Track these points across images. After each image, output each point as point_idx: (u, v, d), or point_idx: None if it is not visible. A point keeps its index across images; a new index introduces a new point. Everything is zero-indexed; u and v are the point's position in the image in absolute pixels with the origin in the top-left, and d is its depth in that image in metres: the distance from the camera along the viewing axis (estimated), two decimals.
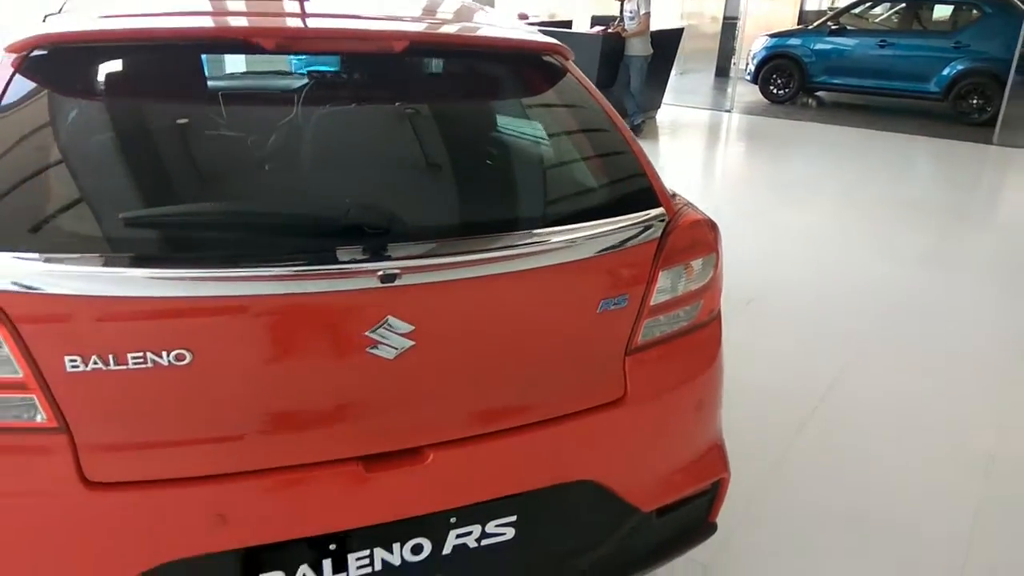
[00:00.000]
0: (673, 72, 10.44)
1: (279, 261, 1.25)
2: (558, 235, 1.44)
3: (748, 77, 11.69)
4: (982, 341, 3.74)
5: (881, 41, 10.53)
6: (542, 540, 1.56)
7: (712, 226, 1.69)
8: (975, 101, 9.84)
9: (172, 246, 1.29)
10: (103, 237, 1.27)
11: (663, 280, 1.56)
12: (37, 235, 1.25)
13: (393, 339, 1.32)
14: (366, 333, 1.30)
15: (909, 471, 2.69)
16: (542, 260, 1.41)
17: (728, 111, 10.76)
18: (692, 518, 1.81)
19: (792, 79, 11.27)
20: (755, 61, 11.55)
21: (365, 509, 1.39)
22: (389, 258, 1.30)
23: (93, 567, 1.29)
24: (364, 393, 1.36)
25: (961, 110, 9.92)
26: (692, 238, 1.63)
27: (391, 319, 1.31)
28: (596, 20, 10.24)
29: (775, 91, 11.33)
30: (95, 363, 1.20)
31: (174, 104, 1.53)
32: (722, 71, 13.79)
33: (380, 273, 1.28)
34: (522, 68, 1.78)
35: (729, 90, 11.42)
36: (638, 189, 1.62)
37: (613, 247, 1.49)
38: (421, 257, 1.32)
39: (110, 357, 1.21)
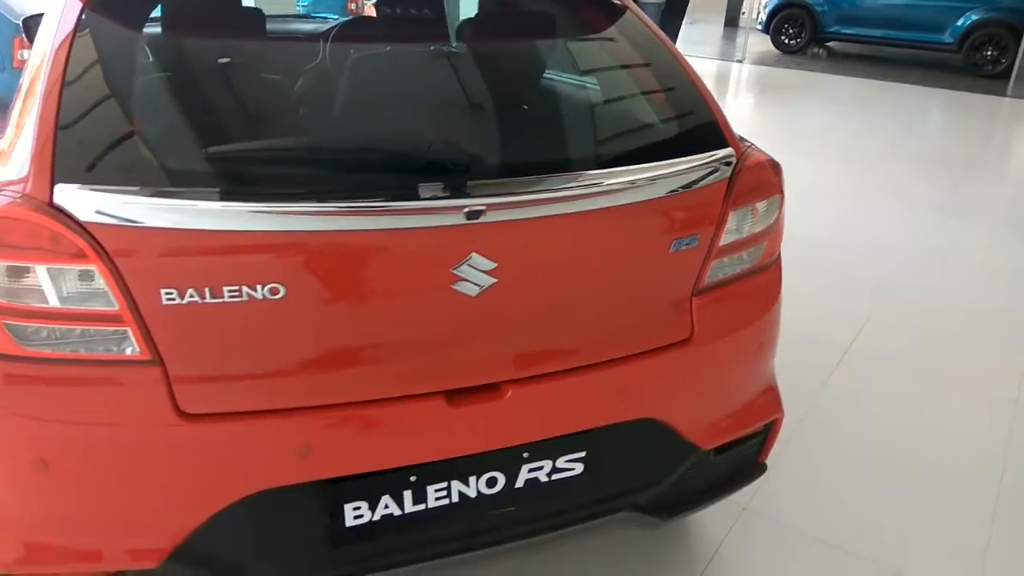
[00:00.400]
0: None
1: (370, 196, 1.26)
2: (637, 173, 1.44)
3: (760, 27, 11.53)
4: (1000, 289, 3.78)
5: None
6: (607, 476, 1.60)
7: (777, 167, 1.70)
8: (989, 52, 9.74)
9: (268, 181, 1.30)
10: (200, 172, 1.28)
11: (732, 221, 1.57)
12: (133, 169, 1.25)
13: (476, 276, 1.34)
14: (451, 269, 1.32)
15: (937, 417, 2.74)
16: (621, 198, 1.42)
17: (739, 61, 10.63)
18: (745, 457, 1.85)
19: (804, 29, 11.13)
20: (767, 10, 11.39)
21: (445, 442, 1.42)
22: (472, 195, 1.31)
23: (184, 498, 1.32)
24: (447, 329, 1.38)
25: (975, 61, 9.82)
26: (759, 179, 1.63)
27: (475, 256, 1.32)
28: None
29: (787, 41, 11.20)
30: (191, 296, 1.22)
31: (257, 41, 1.52)
32: (732, 20, 13.59)
33: (466, 210, 1.29)
34: (586, 5, 1.77)
35: (740, 40, 11.27)
36: (708, 129, 1.62)
37: (688, 186, 1.50)
38: (505, 194, 1.33)
39: (206, 291, 1.22)
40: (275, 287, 1.24)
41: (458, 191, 1.31)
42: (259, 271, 1.24)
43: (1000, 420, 2.73)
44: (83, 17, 1.38)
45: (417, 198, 1.28)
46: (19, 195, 1.21)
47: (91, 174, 1.22)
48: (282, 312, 1.27)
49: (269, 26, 1.56)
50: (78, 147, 1.25)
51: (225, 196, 1.22)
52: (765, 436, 1.86)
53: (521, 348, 1.45)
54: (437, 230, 1.30)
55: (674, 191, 1.48)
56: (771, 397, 1.84)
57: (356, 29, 1.78)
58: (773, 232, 1.70)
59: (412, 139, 1.41)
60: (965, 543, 2.16)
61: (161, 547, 1.33)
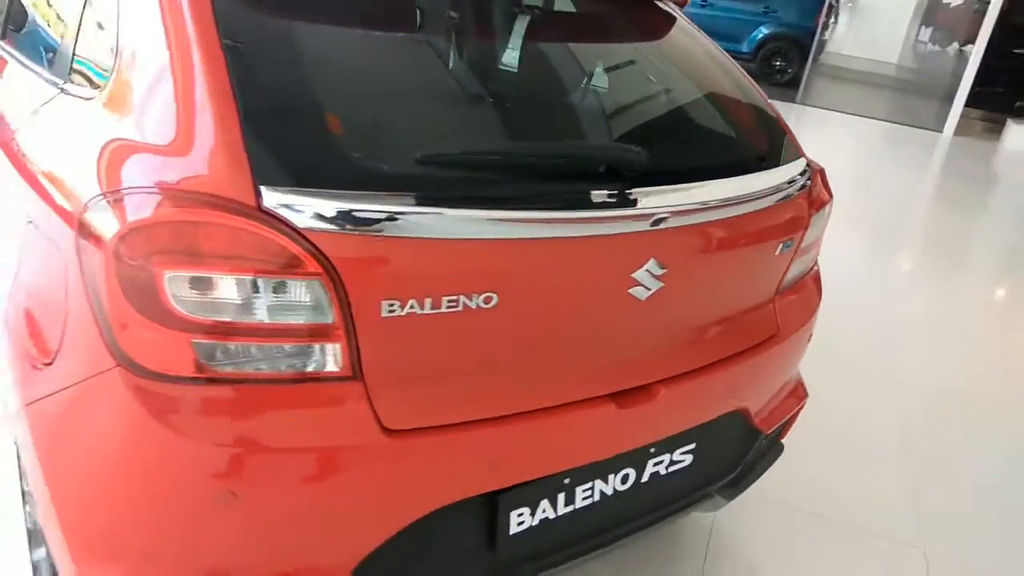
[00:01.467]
0: None
1: (577, 205, 1.26)
2: (771, 179, 1.55)
3: None
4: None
5: (702, 3, 11.30)
6: (707, 465, 1.70)
7: (825, 175, 1.88)
8: (778, 63, 10.94)
9: (487, 187, 1.24)
10: (423, 177, 1.19)
11: (812, 224, 1.72)
12: (349, 172, 1.14)
13: (649, 280, 1.37)
14: (631, 274, 1.34)
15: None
16: (762, 203, 1.52)
17: None
18: (776, 439, 2.03)
19: None
20: None
21: (605, 443, 1.45)
22: (657, 203, 1.34)
23: (372, 517, 1.24)
24: (619, 333, 1.40)
25: (767, 70, 10.99)
26: (823, 186, 1.80)
27: (652, 261, 1.36)
28: None
29: None
30: (411, 307, 1.15)
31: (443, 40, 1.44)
32: None
33: (654, 216, 1.32)
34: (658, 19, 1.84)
35: None
36: (787, 139, 1.76)
37: (798, 191, 1.63)
38: (683, 201, 1.37)
39: (427, 301, 1.15)
40: (489, 296, 1.20)
41: (647, 198, 1.33)
42: (479, 279, 1.19)
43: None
44: None
45: (617, 206, 1.29)
46: (212, 198, 1.06)
47: (299, 176, 1.10)
48: (490, 321, 1.22)
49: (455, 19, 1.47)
50: (278, 145, 1.12)
51: (452, 203, 1.16)
52: (789, 419, 2.05)
53: (670, 349, 1.50)
54: (628, 236, 1.32)
55: (788, 196, 1.60)
56: (801, 384, 2.03)
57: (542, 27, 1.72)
58: (822, 234, 1.88)
59: (616, 148, 1.43)
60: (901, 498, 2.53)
61: (342, 570, 1.24)
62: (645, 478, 1.57)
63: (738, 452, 1.80)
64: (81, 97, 1.36)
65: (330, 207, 1.08)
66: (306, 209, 1.08)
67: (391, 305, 1.13)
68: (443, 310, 1.17)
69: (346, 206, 1.09)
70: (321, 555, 1.23)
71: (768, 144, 1.73)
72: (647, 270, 1.36)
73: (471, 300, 1.19)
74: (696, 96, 1.80)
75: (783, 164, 1.67)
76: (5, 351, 1.33)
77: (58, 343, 1.15)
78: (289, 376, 1.12)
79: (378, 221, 1.10)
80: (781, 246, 1.63)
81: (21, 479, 1.56)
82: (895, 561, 2.27)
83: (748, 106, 1.78)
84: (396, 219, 1.11)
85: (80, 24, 1.48)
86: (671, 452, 1.59)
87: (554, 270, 1.28)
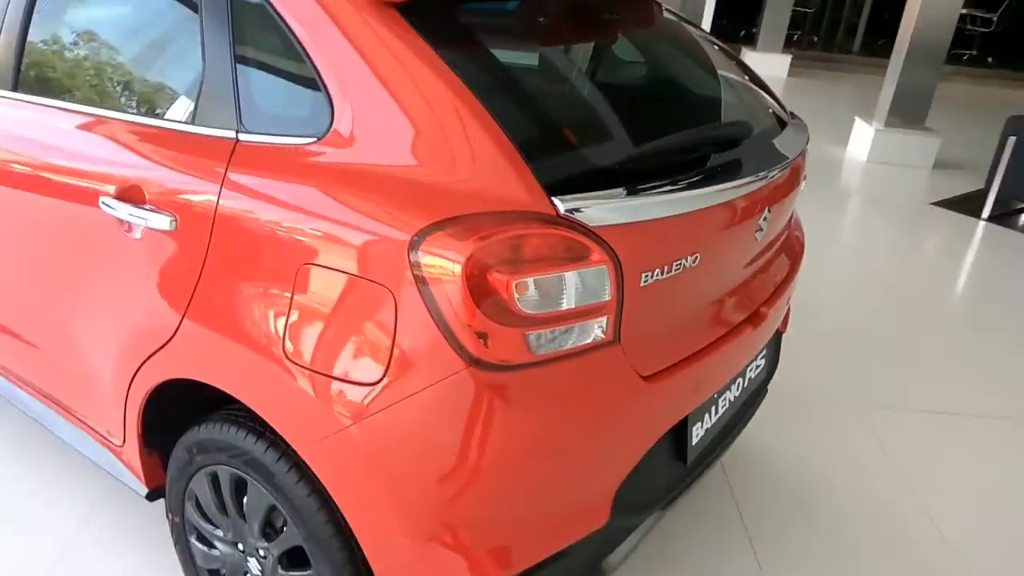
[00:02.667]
0: None
1: (737, 173, 1.61)
2: (802, 132, 2.00)
3: None
4: None
5: None
6: (766, 372, 2.15)
7: None
8: None
9: (685, 168, 1.54)
10: (647, 168, 1.47)
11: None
12: (601, 174, 1.40)
13: (764, 224, 1.76)
14: (758, 221, 1.72)
15: None
16: (803, 152, 1.96)
17: None
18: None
19: None
20: None
21: (740, 359, 1.83)
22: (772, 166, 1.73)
23: (625, 451, 1.53)
24: (750, 269, 1.79)
25: None
26: None
27: (767, 209, 1.74)
28: None
29: None
30: (657, 275, 1.44)
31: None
32: None
33: (769, 176, 1.71)
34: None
35: None
36: (779, 99, 2.21)
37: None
38: (780, 164, 1.77)
39: (666, 267, 1.45)
40: (696, 255, 1.52)
41: (766, 163, 1.72)
42: (692, 244, 1.50)
43: None
44: None
45: (756, 170, 1.66)
46: (526, 214, 1.28)
47: (574, 184, 1.34)
48: (697, 275, 1.54)
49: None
50: (552, 163, 1.35)
51: (684, 185, 1.46)
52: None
53: (768, 279, 1.91)
54: (757, 191, 1.68)
55: (808, 143, 2.05)
56: None
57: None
58: None
59: (739, 125, 1.83)
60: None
61: (605, 505, 1.52)
62: (745, 383, 1.98)
63: (775, 351, 2.26)
64: (289, 145, 1.44)
65: (608, 205, 1.34)
66: (589, 210, 1.32)
67: (646, 277, 1.42)
68: (672, 273, 1.48)
69: (620, 203, 1.35)
70: (597, 487, 1.50)
71: (779, 106, 2.15)
72: (764, 217, 1.74)
73: (687, 261, 1.50)
74: (740, 78, 2.17)
75: (794, 121, 2.11)
76: (291, 395, 1.41)
77: (385, 365, 1.30)
78: (577, 349, 1.37)
79: (643, 209, 1.38)
80: (803, 182, 2.08)
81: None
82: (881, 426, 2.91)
83: (759, 80, 2.19)
84: (653, 206, 1.39)
85: (236, 74, 1.52)
86: (756, 361, 2.01)
87: (727, 226, 1.62)
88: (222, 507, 1.69)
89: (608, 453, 1.49)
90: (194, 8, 1.60)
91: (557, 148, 1.42)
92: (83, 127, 1.76)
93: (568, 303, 1.31)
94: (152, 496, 1.89)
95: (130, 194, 1.58)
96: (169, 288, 1.56)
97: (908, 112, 6.67)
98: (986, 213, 5.56)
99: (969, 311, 4.20)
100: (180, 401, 1.69)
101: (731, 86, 2.08)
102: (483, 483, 1.35)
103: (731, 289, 1.74)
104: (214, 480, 1.68)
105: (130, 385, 1.71)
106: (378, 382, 1.31)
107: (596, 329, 1.38)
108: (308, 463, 1.42)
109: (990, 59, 12.50)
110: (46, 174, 1.79)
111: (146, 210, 1.55)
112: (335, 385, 1.34)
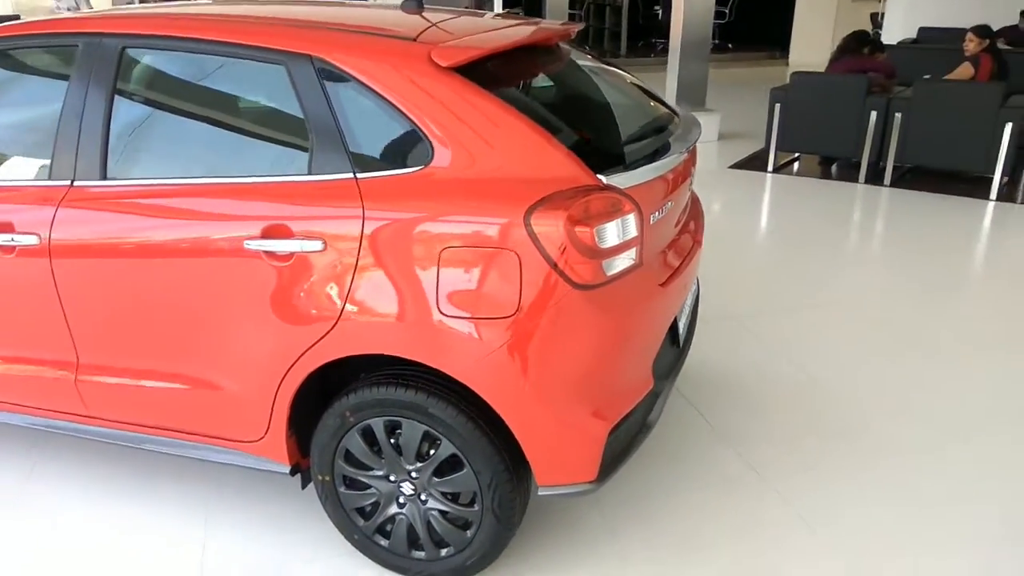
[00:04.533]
0: None
1: (673, 150, 2.43)
2: (697, 122, 2.89)
3: None
4: None
5: None
6: (697, 289, 3.03)
7: None
8: None
9: (657, 150, 2.33)
10: (635, 152, 2.26)
11: None
12: (623, 157, 2.18)
13: (689, 185, 2.61)
14: (687, 182, 2.57)
15: None
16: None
17: None
18: None
19: None
20: None
21: (692, 276, 2.68)
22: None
23: (663, 328, 2.33)
24: (687, 214, 2.64)
25: None
26: None
27: (691, 173, 2.60)
28: None
29: None
30: (655, 216, 2.24)
31: None
32: None
33: (684, 153, 2.56)
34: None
35: None
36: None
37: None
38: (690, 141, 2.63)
39: (659, 212, 2.26)
40: (669, 203, 2.34)
41: (684, 143, 2.53)
42: (665, 196, 2.31)
43: None
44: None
45: (682, 150, 2.47)
46: (590, 187, 2.02)
47: (599, 164, 2.10)
48: (670, 217, 2.38)
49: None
50: (583, 152, 2.09)
51: (651, 160, 2.26)
52: None
53: (694, 223, 2.77)
54: (685, 162, 2.52)
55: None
56: None
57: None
58: None
59: (669, 124, 2.59)
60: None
61: (650, 374, 2.30)
62: (692, 295, 2.84)
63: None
64: (403, 175, 2.08)
65: (626, 175, 2.12)
66: (617, 179, 2.09)
67: (653, 217, 2.21)
68: (663, 215, 2.29)
69: (631, 173, 2.13)
70: (645, 361, 2.28)
71: (668, 106, 3.03)
72: (688, 179, 2.59)
73: (667, 206, 2.31)
74: (643, 89, 2.98)
75: (681, 115, 2.99)
76: (450, 339, 2.03)
77: (517, 300, 1.98)
78: (625, 271, 2.12)
79: (642, 175, 2.17)
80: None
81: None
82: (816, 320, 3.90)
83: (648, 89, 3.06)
84: (647, 172, 2.19)
85: (342, 133, 2.13)
86: (695, 278, 2.88)
87: (676, 185, 2.44)
88: (376, 452, 2.27)
89: (649, 337, 2.27)
90: (291, 90, 2.18)
91: (583, 144, 2.18)
92: (205, 193, 2.25)
93: (619, 240, 2.07)
94: (293, 471, 2.41)
95: (276, 232, 2.14)
96: (325, 291, 2.12)
97: (691, 97, 8.06)
98: (771, 167, 6.96)
99: (781, 233, 5.51)
100: (313, 390, 2.25)
101: (644, 94, 2.91)
102: (589, 365, 2.08)
103: (680, 229, 2.58)
104: (364, 433, 2.25)
105: (281, 382, 2.24)
106: (514, 313, 1.99)
107: (633, 255, 2.14)
108: (468, 384, 2.06)
109: (729, 45, 14.71)
110: (176, 237, 2.26)
111: (296, 240, 2.12)
112: (483, 322, 2.00)
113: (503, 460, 2.14)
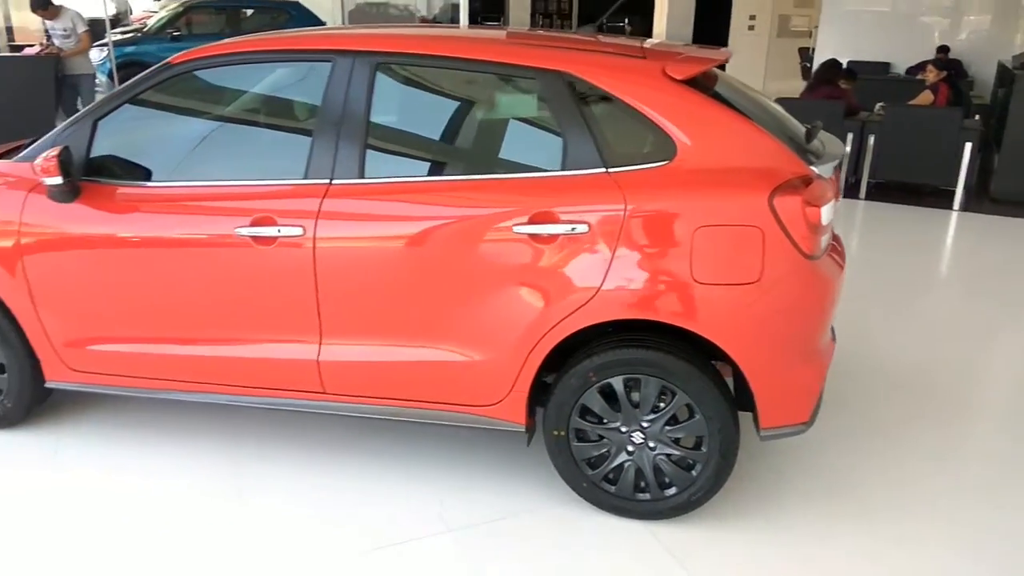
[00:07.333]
0: None
1: None
2: None
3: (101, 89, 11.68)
4: None
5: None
6: None
7: None
8: None
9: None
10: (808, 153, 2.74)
11: None
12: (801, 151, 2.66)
13: None
14: None
15: None
16: None
17: None
18: None
19: None
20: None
21: None
22: None
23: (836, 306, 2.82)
24: None
25: None
26: None
27: None
28: None
29: None
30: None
31: None
32: None
33: None
34: None
35: None
36: None
37: None
38: None
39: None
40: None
41: None
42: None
43: None
44: None
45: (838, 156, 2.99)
46: (806, 176, 2.49)
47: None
48: None
49: None
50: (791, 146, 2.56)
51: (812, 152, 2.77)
52: None
53: None
54: None
55: None
56: None
57: None
58: None
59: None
60: None
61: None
62: None
63: None
64: (652, 168, 2.50)
65: (821, 167, 2.60)
66: (821, 168, 2.57)
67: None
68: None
69: (822, 164, 2.61)
70: (830, 330, 2.76)
71: None
72: None
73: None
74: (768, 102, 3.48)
75: None
76: (703, 301, 2.45)
77: (760, 269, 2.42)
78: (825, 248, 2.61)
79: (827, 174, 2.67)
80: None
81: None
82: None
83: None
84: (827, 172, 2.69)
85: (594, 136, 2.54)
86: None
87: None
88: (614, 407, 2.65)
89: (835, 306, 2.74)
90: (543, 101, 2.58)
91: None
92: (467, 188, 2.60)
93: (828, 220, 2.55)
94: (527, 431, 2.76)
95: (543, 218, 2.51)
96: (588, 265, 2.50)
97: None
98: None
99: None
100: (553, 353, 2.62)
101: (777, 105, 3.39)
102: (813, 323, 2.55)
103: None
104: (603, 391, 2.64)
105: (533, 349, 2.60)
106: (758, 279, 2.44)
107: (830, 236, 2.63)
108: (714, 341, 2.48)
109: None
110: (438, 225, 2.59)
111: (563, 224, 2.50)
112: (731, 288, 2.44)
113: (730, 407, 2.57)
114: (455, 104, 2.78)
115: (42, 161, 2.68)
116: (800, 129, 2.81)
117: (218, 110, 3.07)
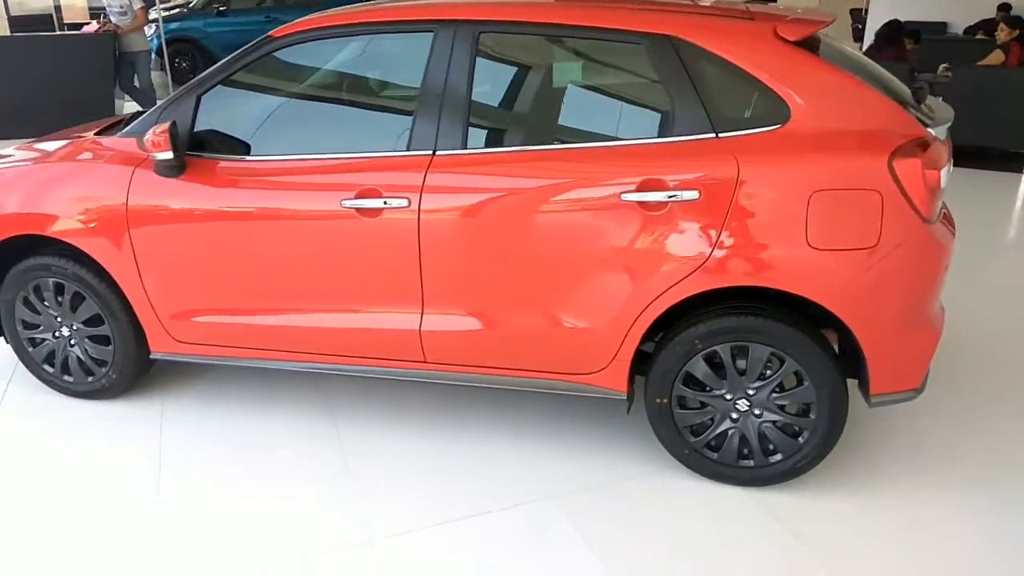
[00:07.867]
0: None
1: None
2: None
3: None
4: None
5: (267, 17, 12.07)
6: None
7: None
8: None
9: None
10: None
11: None
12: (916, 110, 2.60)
13: None
14: None
15: None
16: None
17: None
18: None
19: (197, 61, 11.98)
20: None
21: None
22: None
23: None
24: None
25: None
26: None
27: None
28: None
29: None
30: None
31: None
32: None
33: None
34: None
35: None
36: None
37: None
38: None
39: None
40: None
41: None
42: None
43: None
44: None
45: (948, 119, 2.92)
46: (922, 138, 2.43)
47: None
48: None
49: None
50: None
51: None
52: None
53: None
54: None
55: None
56: None
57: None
58: None
59: None
60: None
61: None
62: None
63: None
64: (765, 132, 2.46)
65: (935, 130, 2.54)
66: (935, 131, 2.52)
67: None
68: None
69: (935, 127, 2.55)
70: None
71: None
72: None
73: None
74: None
75: None
76: (818, 267, 2.42)
77: (878, 233, 2.39)
78: (940, 212, 2.55)
79: (941, 137, 2.61)
80: None
81: None
82: None
83: None
84: (941, 135, 2.62)
85: (704, 102, 2.50)
86: None
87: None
88: (720, 374, 2.65)
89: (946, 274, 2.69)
90: (651, 66, 2.55)
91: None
92: (573, 158, 2.60)
93: (944, 184, 2.50)
94: (628, 398, 2.77)
95: (652, 185, 2.50)
96: (698, 231, 2.48)
97: None
98: None
99: None
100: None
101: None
102: (929, 288, 2.51)
103: None
104: (708, 359, 2.63)
105: (639, 316, 2.60)
106: (876, 244, 2.40)
107: (943, 201, 2.58)
108: (829, 307, 2.46)
109: None
110: (546, 194, 2.59)
111: (672, 191, 2.48)
112: (847, 252, 2.41)
113: (840, 374, 2.55)
114: (558, 71, 2.76)
115: (152, 136, 2.73)
116: (906, 90, 2.74)
117: (319, 82, 3.09)
